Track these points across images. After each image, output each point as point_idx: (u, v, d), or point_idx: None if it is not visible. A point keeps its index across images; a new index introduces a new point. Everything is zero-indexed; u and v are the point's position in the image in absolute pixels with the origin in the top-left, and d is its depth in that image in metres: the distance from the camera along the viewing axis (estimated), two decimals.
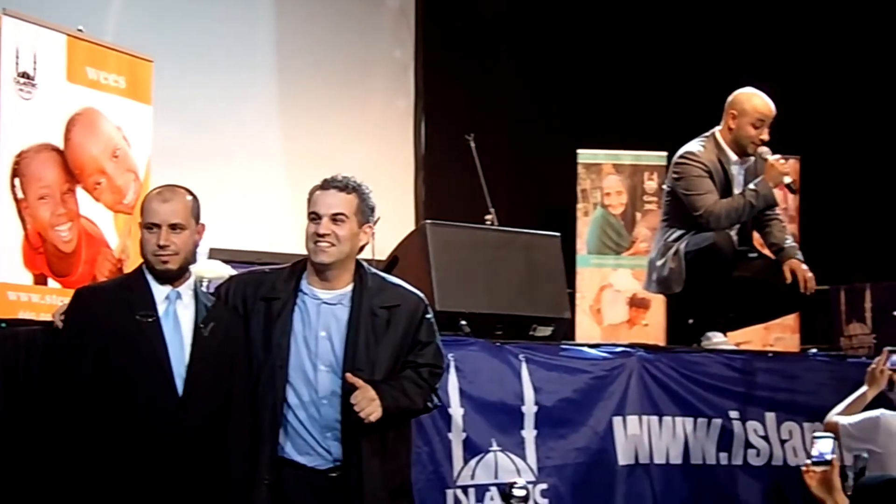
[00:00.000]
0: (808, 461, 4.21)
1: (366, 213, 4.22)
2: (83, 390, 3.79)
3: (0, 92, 4.65)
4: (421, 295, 4.28)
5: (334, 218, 4.11)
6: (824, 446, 4.21)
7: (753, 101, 5.93)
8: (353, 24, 9.41)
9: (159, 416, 3.82)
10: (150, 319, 3.88)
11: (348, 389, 3.98)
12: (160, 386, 3.84)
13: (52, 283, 4.81)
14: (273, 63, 9.05)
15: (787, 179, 5.86)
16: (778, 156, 5.89)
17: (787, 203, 7.71)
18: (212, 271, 5.80)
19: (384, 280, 4.27)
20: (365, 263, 4.29)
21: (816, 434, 4.42)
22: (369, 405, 3.94)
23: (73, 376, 3.81)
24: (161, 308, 3.93)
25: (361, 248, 4.25)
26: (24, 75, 4.76)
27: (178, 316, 3.95)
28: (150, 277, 3.97)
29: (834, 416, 5.25)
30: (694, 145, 5.99)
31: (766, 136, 5.91)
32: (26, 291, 4.68)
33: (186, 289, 4.01)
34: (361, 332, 4.08)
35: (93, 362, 3.81)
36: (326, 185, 4.20)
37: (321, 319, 4.11)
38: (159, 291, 3.95)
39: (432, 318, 4.25)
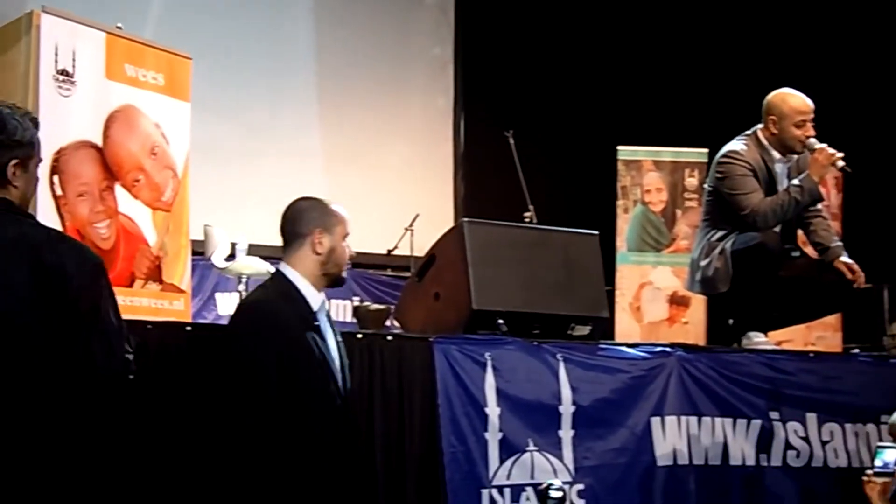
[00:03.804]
0: (870, 471, 4.14)
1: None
2: (272, 405, 3.85)
3: (39, 89, 4.67)
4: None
5: None
6: (889, 457, 4.15)
7: (790, 101, 5.86)
8: (392, 21, 9.43)
9: (333, 419, 3.98)
10: (317, 326, 4.02)
11: None
12: (333, 392, 4.00)
13: None
14: (312, 60, 9.07)
15: (841, 164, 5.77)
16: (824, 145, 5.80)
17: (829, 200, 7.63)
18: (251, 268, 5.81)
19: None
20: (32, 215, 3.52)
21: (880, 444, 4.36)
22: None
23: (262, 393, 3.85)
24: (320, 317, 4.06)
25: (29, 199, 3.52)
26: (63, 73, 4.78)
27: (328, 321, 4.13)
28: (303, 285, 4.04)
29: None
30: (737, 144, 5.93)
31: (811, 132, 5.84)
32: None
33: None
34: None
35: (278, 376, 3.88)
36: None
37: None
38: (315, 299, 4.06)
39: None
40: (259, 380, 3.87)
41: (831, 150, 5.75)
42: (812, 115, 5.84)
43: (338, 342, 4.13)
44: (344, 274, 4.17)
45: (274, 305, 4.00)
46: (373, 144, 9.11)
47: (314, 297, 4.06)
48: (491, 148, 8.18)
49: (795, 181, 5.81)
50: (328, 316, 4.17)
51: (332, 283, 4.15)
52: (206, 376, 4.22)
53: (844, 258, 5.91)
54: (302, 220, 4.13)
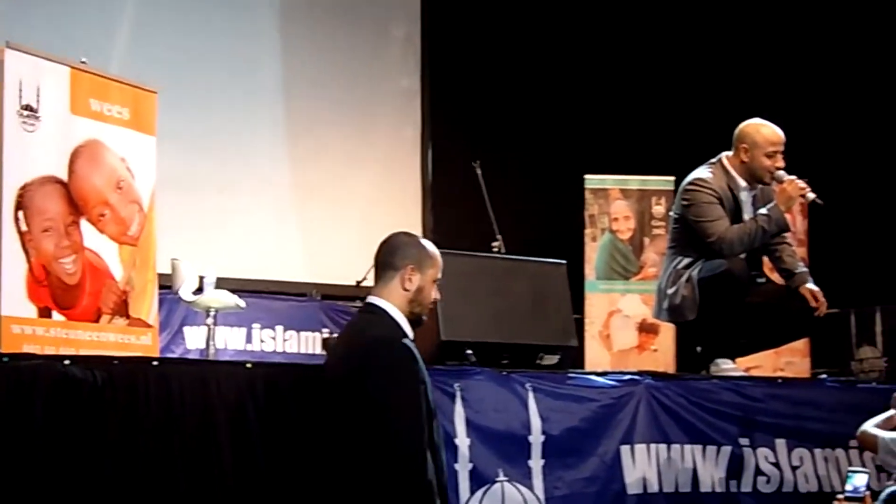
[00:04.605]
0: (841, 496, 4.15)
1: None
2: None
3: (3, 125, 4.66)
4: None
5: None
6: (859, 481, 4.17)
7: (763, 131, 5.88)
8: (360, 52, 9.44)
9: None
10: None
11: None
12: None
13: (57, 316, 4.80)
14: (279, 92, 9.07)
15: (811, 195, 5.80)
16: (793, 177, 5.83)
17: (795, 226, 7.67)
18: (219, 301, 5.80)
19: None
20: None
21: (851, 469, 4.37)
22: None
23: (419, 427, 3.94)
24: None
25: None
26: (28, 108, 4.76)
27: None
28: (402, 321, 4.08)
29: (871, 428, 5.09)
30: (702, 172, 5.95)
31: (781, 164, 5.87)
32: (30, 324, 4.67)
33: None
34: None
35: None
36: None
37: None
38: (411, 335, 4.10)
39: None
40: (414, 414, 3.92)
41: (801, 183, 5.79)
42: (783, 147, 5.88)
43: None
44: (424, 317, 4.16)
45: (404, 341, 4.02)
46: (341, 175, 9.11)
47: (410, 333, 4.09)
48: (458, 178, 8.19)
49: (763, 210, 5.84)
50: None
51: (413, 322, 4.13)
52: (306, 413, 4.36)
53: (810, 284, 5.93)
54: (398, 253, 4.13)
